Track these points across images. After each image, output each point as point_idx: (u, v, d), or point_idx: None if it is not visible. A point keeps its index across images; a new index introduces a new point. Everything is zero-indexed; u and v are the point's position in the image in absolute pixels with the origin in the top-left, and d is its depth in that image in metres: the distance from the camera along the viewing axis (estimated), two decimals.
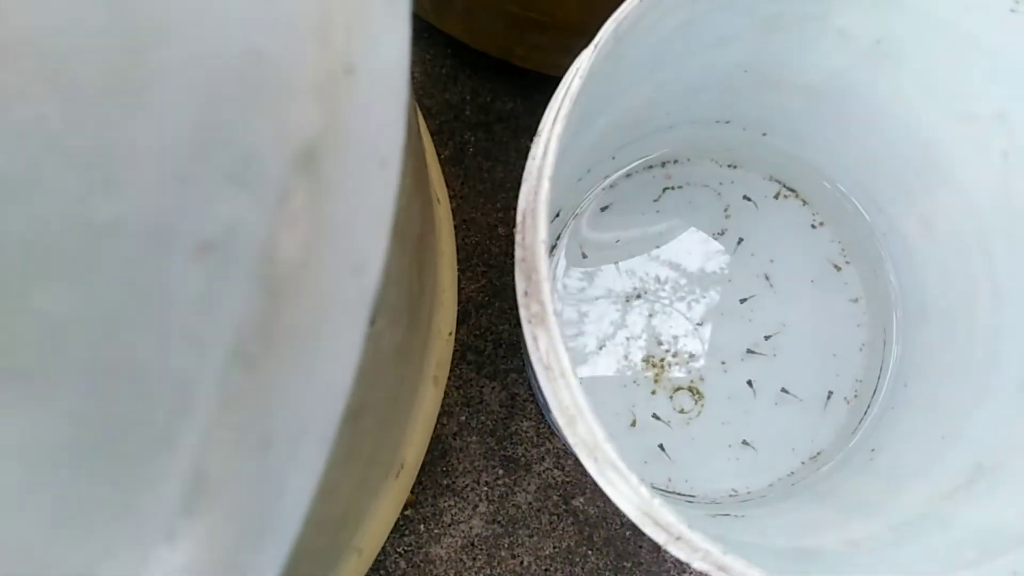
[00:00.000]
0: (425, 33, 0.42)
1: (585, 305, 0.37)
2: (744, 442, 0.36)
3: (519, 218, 0.20)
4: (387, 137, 0.12)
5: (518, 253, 0.20)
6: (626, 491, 0.19)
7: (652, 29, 0.23)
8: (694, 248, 0.38)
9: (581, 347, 0.37)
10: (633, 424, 0.36)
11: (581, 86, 0.20)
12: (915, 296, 0.34)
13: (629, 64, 0.24)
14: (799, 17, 0.26)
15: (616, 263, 0.37)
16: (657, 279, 0.37)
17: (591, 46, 0.20)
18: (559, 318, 0.33)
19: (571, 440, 0.20)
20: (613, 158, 0.36)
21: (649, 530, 0.19)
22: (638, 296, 0.37)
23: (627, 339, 0.37)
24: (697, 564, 0.19)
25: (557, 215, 0.36)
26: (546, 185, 0.19)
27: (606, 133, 0.30)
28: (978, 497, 0.24)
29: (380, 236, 0.12)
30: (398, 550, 0.37)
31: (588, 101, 0.23)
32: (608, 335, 0.37)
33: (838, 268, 0.38)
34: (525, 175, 0.21)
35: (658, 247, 0.38)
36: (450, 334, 0.31)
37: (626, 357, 0.37)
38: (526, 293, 0.20)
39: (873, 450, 0.33)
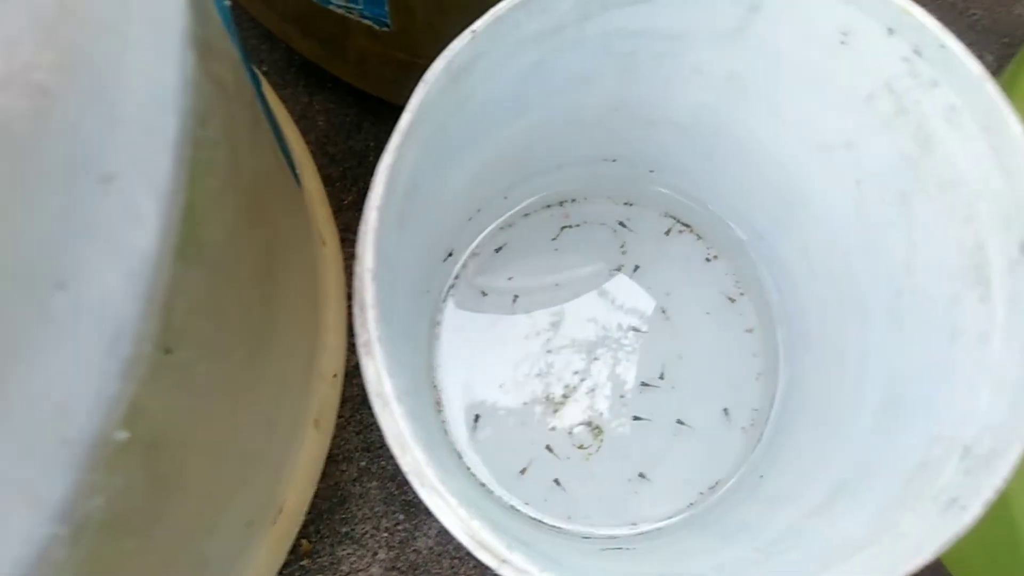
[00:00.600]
0: (328, 83, 0.43)
1: (484, 344, 0.38)
2: (641, 475, 0.36)
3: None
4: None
5: (354, 283, 0.20)
6: (451, 516, 0.19)
7: (499, 68, 0.24)
8: (592, 284, 0.39)
9: (480, 386, 0.37)
10: (530, 463, 0.36)
11: (411, 120, 0.21)
12: (798, 323, 0.35)
13: (483, 102, 0.25)
14: (653, 55, 0.28)
15: (514, 302, 0.38)
16: (555, 317, 0.38)
17: (420, 82, 0.21)
18: (445, 345, 0.33)
19: (403, 468, 0.20)
20: (505, 198, 0.37)
21: (479, 554, 0.19)
22: (536, 334, 0.38)
23: (525, 376, 0.38)
24: None
25: (449, 255, 0.37)
26: (373, 215, 0.20)
27: (483, 173, 0.31)
28: (834, 514, 0.25)
29: None
30: None
31: (441, 138, 0.24)
32: (507, 374, 0.37)
33: (732, 300, 0.39)
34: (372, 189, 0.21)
35: (557, 285, 0.38)
36: (335, 376, 0.31)
37: (525, 395, 0.37)
38: (359, 323, 0.20)
39: (761, 476, 0.34)
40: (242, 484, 0.24)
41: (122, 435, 0.14)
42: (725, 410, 0.37)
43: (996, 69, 0.45)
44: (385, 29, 0.34)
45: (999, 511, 0.22)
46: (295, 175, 0.29)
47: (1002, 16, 0.44)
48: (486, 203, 0.36)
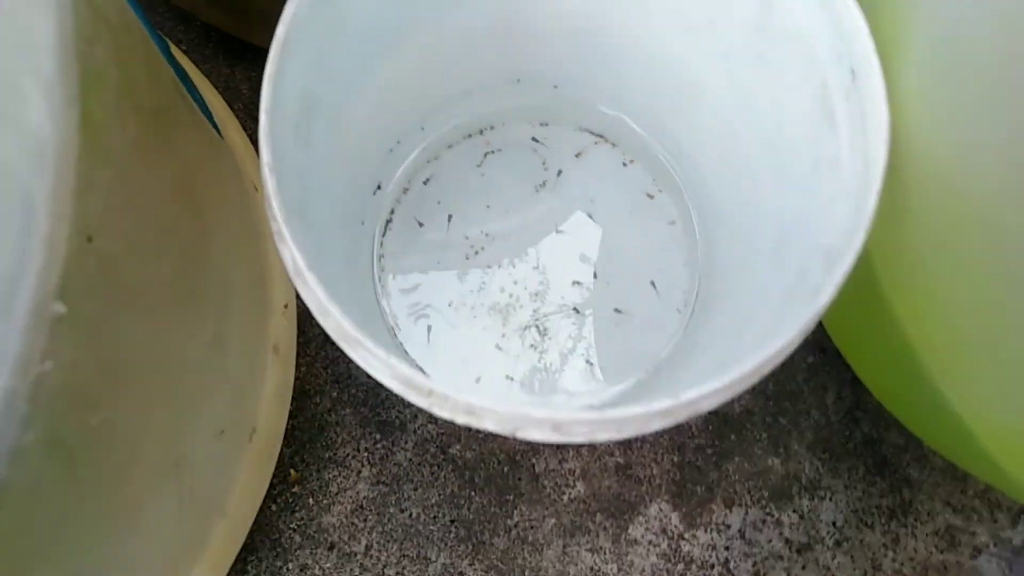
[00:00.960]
0: (248, 53, 0.45)
1: (427, 269, 0.40)
2: (588, 362, 0.39)
3: None
4: None
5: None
6: (376, 364, 0.22)
7: None
8: (520, 201, 0.41)
9: (429, 308, 0.40)
10: (484, 368, 0.39)
11: (286, 33, 0.23)
12: (708, 204, 0.38)
13: (359, 26, 0.27)
14: None
15: (449, 226, 0.41)
16: (489, 235, 0.41)
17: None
18: (390, 278, 0.36)
19: (331, 334, 0.22)
20: (422, 128, 0.39)
21: (410, 396, 0.22)
22: (476, 253, 0.41)
23: (470, 292, 0.40)
24: (452, 416, 0.22)
25: (378, 187, 0.39)
26: (264, 118, 0.22)
27: (386, 99, 0.34)
28: (736, 346, 0.28)
29: None
30: (291, 526, 0.40)
31: (326, 58, 0.27)
32: (454, 295, 0.40)
33: (652, 197, 0.41)
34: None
35: (487, 206, 0.41)
36: (286, 306, 0.34)
37: (473, 308, 0.40)
38: (269, 215, 0.22)
39: (694, 344, 0.37)
40: (201, 393, 0.26)
41: (59, 307, 0.17)
42: (657, 293, 0.40)
43: None
44: None
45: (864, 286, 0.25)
46: (215, 126, 0.32)
47: None
48: (403, 134, 0.38)
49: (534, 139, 0.42)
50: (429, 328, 0.40)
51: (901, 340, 0.28)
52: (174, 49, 0.36)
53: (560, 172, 0.42)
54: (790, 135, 0.29)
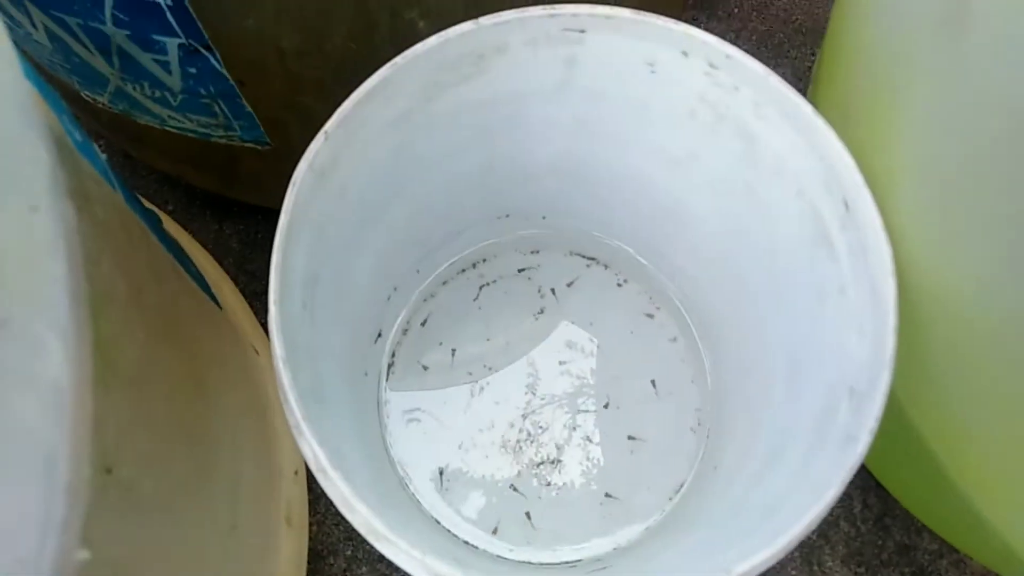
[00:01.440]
0: (234, 207, 0.46)
1: (434, 412, 0.40)
2: (608, 495, 0.38)
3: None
4: None
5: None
6: (408, 560, 0.21)
7: (362, 159, 0.27)
8: (520, 331, 0.41)
9: (440, 452, 0.39)
10: (503, 511, 0.38)
11: (289, 221, 0.23)
12: (707, 323, 0.38)
13: (358, 191, 0.28)
14: (503, 119, 0.31)
15: (451, 367, 0.40)
16: (492, 368, 0.40)
17: (290, 184, 0.24)
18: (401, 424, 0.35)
19: (357, 528, 0.22)
20: (417, 271, 0.39)
21: None
22: (481, 390, 0.40)
23: (479, 432, 0.40)
24: None
25: (379, 335, 0.39)
26: (274, 310, 0.22)
27: (385, 253, 0.34)
28: (766, 481, 0.27)
29: None
30: None
31: (328, 231, 0.27)
32: (464, 437, 0.39)
33: (651, 316, 0.41)
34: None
35: (487, 339, 0.41)
36: (296, 473, 0.33)
37: (484, 449, 0.39)
38: (286, 409, 0.22)
39: (715, 468, 0.36)
40: None
41: (83, 554, 0.16)
42: (671, 416, 0.39)
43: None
44: (267, 147, 0.36)
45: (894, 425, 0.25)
46: (212, 297, 0.31)
47: (821, 16, 0.49)
48: (399, 280, 0.38)
49: (525, 268, 0.42)
50: (441, 474, 0.39)
51: (927, 457, 0.27)
52: (163, 217, 0.36)
53: (556, 299, 0.42)
54: (786, 262, 0.29)
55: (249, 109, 0.33)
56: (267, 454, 0.32)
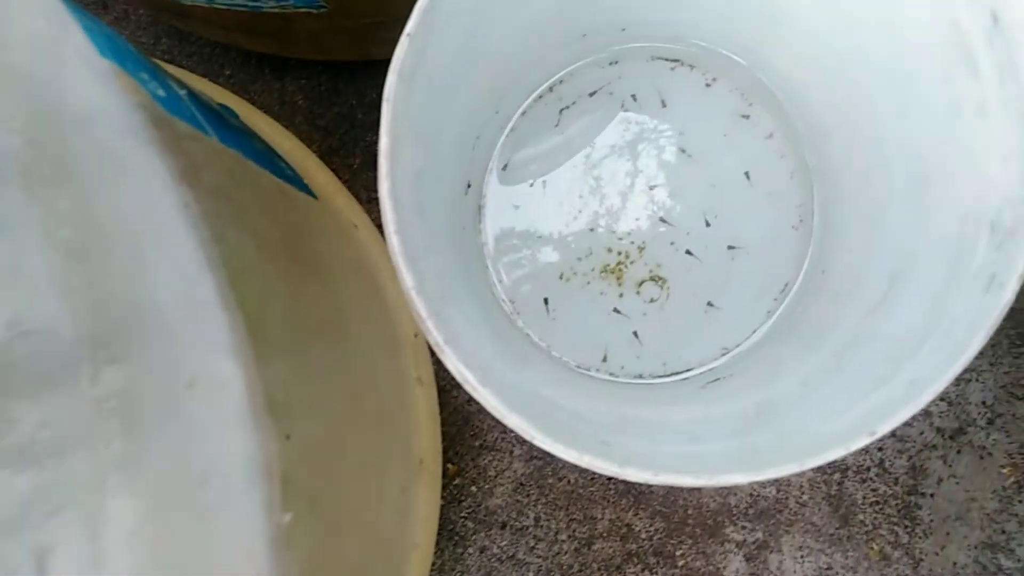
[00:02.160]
0: (292, 61, 0.44)
1: (530, 250, 0.40)
2: (710, 304, 0.39)
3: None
4: None
5: (406, 298, 0.23)
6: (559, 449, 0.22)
7: (445, 44, 0.24)
8: (606, 152, 0.40)
9: (543, 286, 0.39)
10: (611, 333, 0.39)
11: (389, 143, 0.22)
12: (812, 121, 0.36)
13: (443, 75, 0.26)
14: None
15: (543, 193, 0.40)
16: (583, 196, 0.40)
17: (384, 101, 0.22)
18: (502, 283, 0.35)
19: (512, 428, 0.23)
20: (496, 112, 0.38)
21: (602, 469, 0.22)
22: (574, 218, 0.40)
23: (578, 260, 0.40)
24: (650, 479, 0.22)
25: (469, 185, 0.38)
26: (395, 240, 0.22)
27: (467, 117, 0.32)
28: (893, 306, 0.27)
29: None
30: (462, 515, 0.42)
31: (420, 128, 0.25)
32: (564, 267, 0.40)
33: (745, 115, 0.39)
34: (383, 216, 0.23)
35: (574, 166, 0.40)
36: (415, 336, 0.35)
37: (584, 276, 0.40)
38: (426, 332, 0.22)
39: (823, 272, 0.36)
40: (385, 466, 0.28)
41: (287, 517, 0.17)
42: (772, 217, 0.39)
43: None
44: (323, 10, 0.34)
45: None
46: (308, 191, 0.31)
47: None
48: (481, 127, 0.37)
49: (605, 83, 0.40)
50: (546, 302, 0.40)
51: None
52: (239, 105, 0.35)
53: (642, 109, 0.40)
54: (912, 70, 0.26)
55: None
56: (389, 327, 0.33)
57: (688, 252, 0.39)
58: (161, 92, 0.22)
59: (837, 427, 0.22)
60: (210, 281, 0.16)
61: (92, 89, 0.16)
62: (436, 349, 0.22)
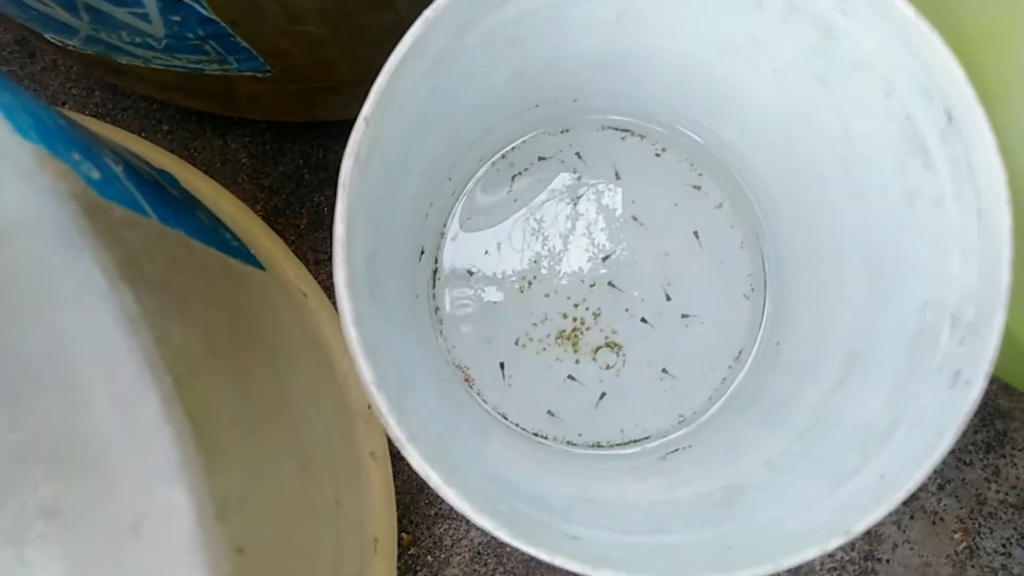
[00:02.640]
0: (234, 118, 0.42)
1: (485, 315, 0.39)
2: (665, 371, 0.39)
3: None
4: None
5: (366, 394, 0.22)
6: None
7: (398, 123, 0.24)
8: (559, 215, 0.39)
9: (498, 352, 0.39)
10: (567, 398, 0.38)
11: (345, 230, 0.21)
12: (762, 193, 0.36)
13: (394, 156, 0.25)
14: (540, 24, 0.27)
15: (498, 258, 0.39)
16: (538, 261, 0.39)
17: (340, 187, 0.21)
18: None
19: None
20: (449, 179, 0.37)
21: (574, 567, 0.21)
22: (529, 284, 0.39)
23: (533, 326, 0.39)
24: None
25: (423, 252, 0.37)
26: (352, 332, 0.21)
27: (423, 180, 0.31)
28: (854, 388, 0.27)
29: None
30: None
31: (375, 213, 0.25)
32: (518, 332, 0.39)
33: (695, 186, 0.39)
34: (339, 306, 0.22)
35: (528, 232, 0.39)
36: (369, 407, 0.33)
37: (540, 342, 0.39)
38: (388, 430, 0.21)
39: (778, 343, 0.36)
40: (336, 548, 0.26)
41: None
42: (722, 286, 0.39)
43: None
44: (268, 74, 0.33)
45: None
46: (256, 263, 0.30)
47: None
48: (434, 195, 0.36)
49: (557, 150, 0.40)
50: (502, 368, 0.39)
51: None
52: (179, 169, 0.33)
53: (593, 177, 0.40)
54: (868, 159, 0.27)
55: (245, 45, 0.30)
56: (339, 399, 0.31)
57: (643, 319, 0.39)
58: (95, 174, 0.20)
59: (810, 522, 0.22)
60: (155, 398, 0.15)
61: (13, 191, 0.15)
62: (398, 445, 0.21)
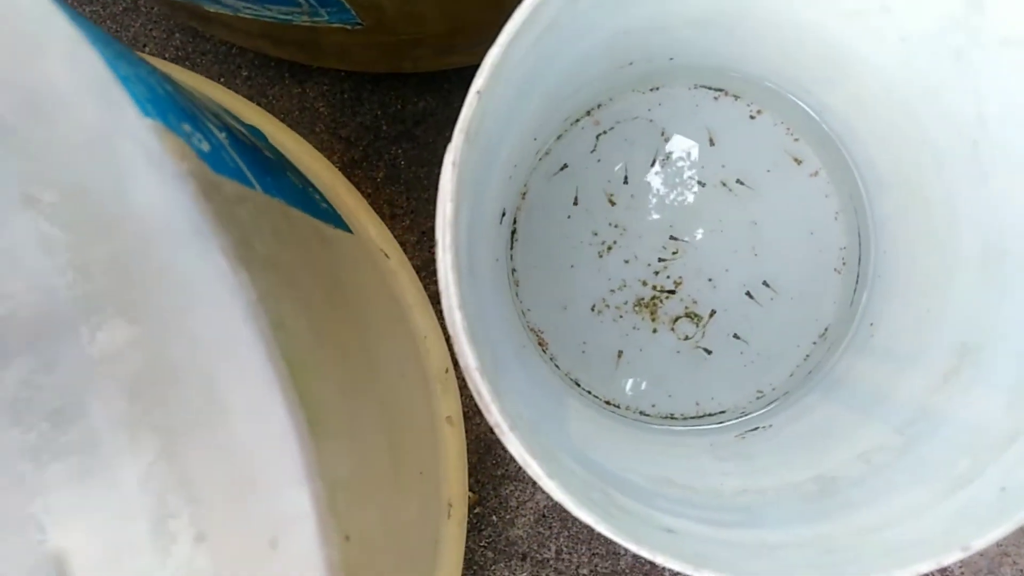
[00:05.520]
0: (314, 69, 0.41)
1: (562, 279, 0.38)
2: (745, 343, 0.37)
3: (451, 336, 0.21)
4: None
5: (467, 380, 0.21)
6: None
7: (506, 93, 0.22)
8: (646, 179, 0.38)
9: (571, 317, 0.38)
10: (647, 372, 0.37)
11: (453, 208, 0.20)
12: (866, 166, 0.34)
13: (499, 127, 0.24)
14: None
15: (577, 221, 0.38)
16: (618, 225, 0.38)
17: (448, 165, 0.20)
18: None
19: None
20: (535, 139, 0.36)
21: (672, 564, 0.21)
22: (608, 249, 0.38)
23: (611, 292, 0.38)
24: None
25: (504, 214, 0.36)
26: (457, 316, 0.20)
27: (514, 144, 0.30)
28: (967, 386, 0.25)
29: None
30: (481, 544, 0.41)
31: (476, 186, 0.24)
32: (595, 298, 0.38)
33: (788, 150, 0.38)
34: (440, 285, 0.21)
35: (609, 195, 0.38)
36: (447, 370, 0.33)
37: (617, 308, 0.38)
38: (488, 416, 0.21)
39: (872, 324, 0.35)
40: (425, 519, 0.26)
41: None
42: (814, 256, 0.37)
43: None
44: (359, 27, 0.32)
45: None
46: (345, 226, 0.29)
47: None
48: (519, 156, 0.35)
49: (652, 110, 0.38)
50: (577, 335, 0.39)
51: None
52: (267, 122, 0.32)
53: (682, 139, 0.38)
54: (1003, 142, 0.25)
55: None
56: (418, 364, 0.31)
57: (726, 289, 0.38)
58: (205, 146, 0.19)
59: (920, 530, 0.21)
60: (279, 395, 0.14)
61: (147, 181, 0.14)
62: (498, 433, 0.20)
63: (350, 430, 0.20)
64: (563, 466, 0.22)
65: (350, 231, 0.29)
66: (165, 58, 0.42)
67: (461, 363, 0.21)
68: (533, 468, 0.20)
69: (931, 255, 0.30)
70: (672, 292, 0.38)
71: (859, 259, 0.37)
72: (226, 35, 0.36)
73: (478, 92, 0.20)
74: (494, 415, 0.20)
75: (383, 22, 0.31)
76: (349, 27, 0.32)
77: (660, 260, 0.38)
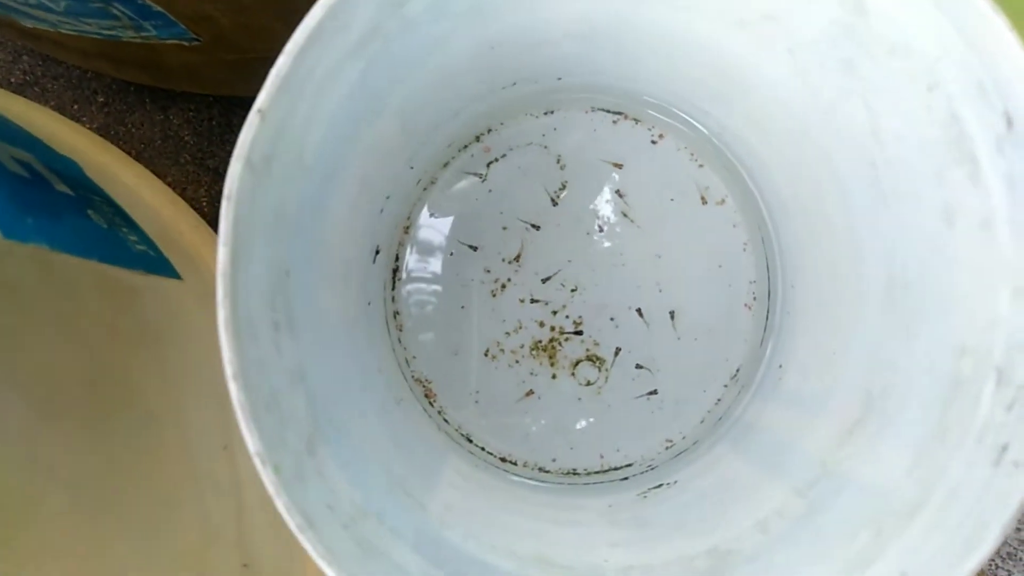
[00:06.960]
0: (179, 94, 0.38)
1: (451, 322, 0.35)
2: (654, 389, 0.34)
3: None
4: None
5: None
6: None
7: (314, 110, 0.19)
8: (540, 208, 0.35)
9: (462, 364, 0.34)
10: (542, 420, 0.34)
11: (230, 254, 0.16)
12: (770, 191, 0.31)
13: (316, 148, 0.20)
14: None
15: (468, 258, 0.34)
16: (512, 262, 0.35)
17: (224, 199, 0.16)
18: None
19: None
20: (411, 167, 0.32)
21: None
22: (502, 287, 0.35)
23: (506, 335, 0.35)
24: None
25: (377, 251, 0.33)
26: (233, 388, 0.16)
27: (369, 175, 0.27)
28: (872, 440, 0.22)
29: None
30: None
31: (284, 220, 0.20)
32: (488, 342, 0.35)
33: (693, 177, 0.35)
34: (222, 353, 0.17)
35: (503, 228, 0.35)
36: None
37: (513, 352, 0.35)
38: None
39: (780, 366, 0.31)
40: None
41: None
42: (721, 292, 0.34)
43: None
44: (196, 42, 0.28)
45: None
46: (170, 271, 0.25)
47: None
48: (391, 187, 0.31)
49: (547, 135, 0.35)
50: (468, 383, 0.35)
51: None
52: (96, 152, 0.29)
53: (579, 166, 0.35)
54: (900, 162, 0.22)
55: (159, 9, 0.25)
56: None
57: (629, 329, 0.35)
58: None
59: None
60: None
61: None
62: (293, 531, 0.17)
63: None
64: (389, 562, 0.18)
65: (178, 277, 0.25)
66: (11, 82, 0.38)
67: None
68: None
69: (836, 290, 0.27)
70: (573, 333, 0.35)
71: (768, 293, 0.34)
72: (63, 55, 0.33)
73: (259, 111, 0.16)
74: (283, 512, 0.16)
75: (223, 37, 0.28)
76: (186, 43, 0.28)
77: (558, 299, 0.35)
